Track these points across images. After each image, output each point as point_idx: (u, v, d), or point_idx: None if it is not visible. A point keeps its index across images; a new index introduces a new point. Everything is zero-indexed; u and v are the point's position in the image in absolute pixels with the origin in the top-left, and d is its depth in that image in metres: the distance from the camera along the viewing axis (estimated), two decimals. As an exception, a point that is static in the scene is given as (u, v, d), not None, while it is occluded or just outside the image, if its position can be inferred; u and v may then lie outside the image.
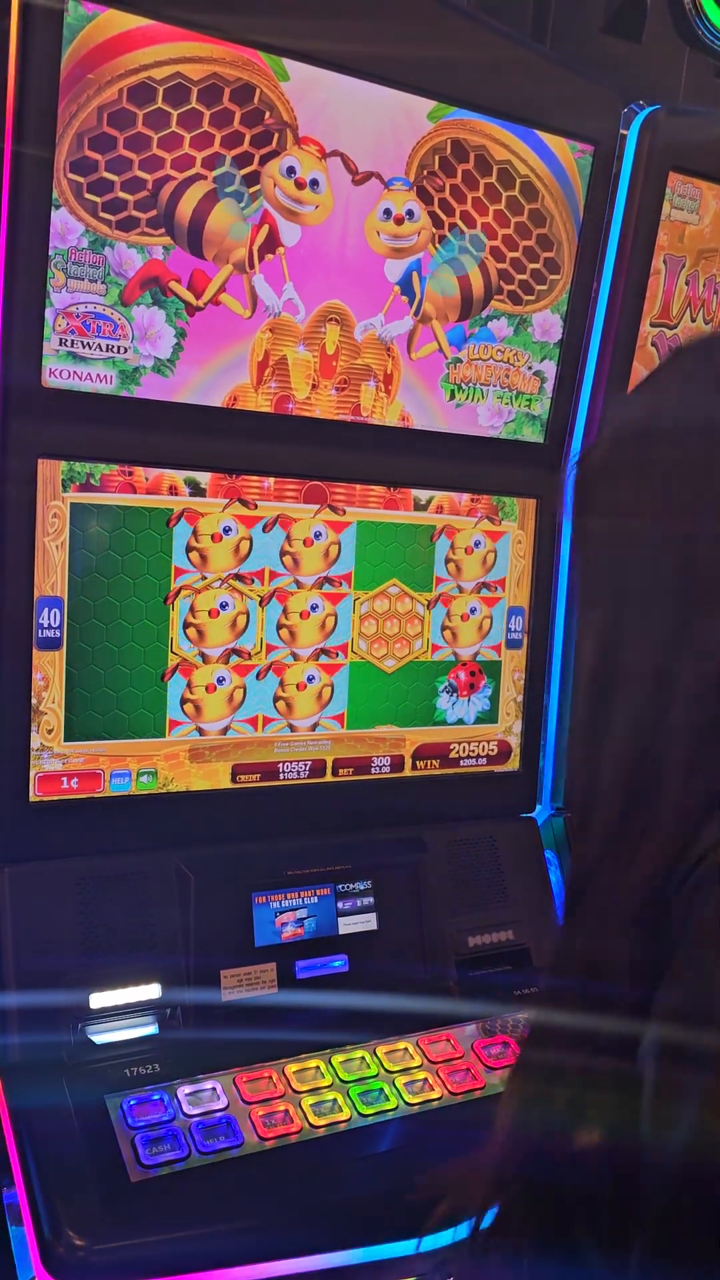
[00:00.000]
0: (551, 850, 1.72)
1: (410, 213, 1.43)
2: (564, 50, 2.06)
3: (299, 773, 1.51)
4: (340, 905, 1.47)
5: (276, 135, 1.32)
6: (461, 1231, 1.18)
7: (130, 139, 1.25)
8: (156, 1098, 1.22)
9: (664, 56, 2.15)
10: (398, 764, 1.59)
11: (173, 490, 1.39)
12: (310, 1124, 1.22)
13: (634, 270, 1.62)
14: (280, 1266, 1.11)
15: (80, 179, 1.23)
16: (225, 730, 1.45)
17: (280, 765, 1.50)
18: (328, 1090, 1.28)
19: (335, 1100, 1.26)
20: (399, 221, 1.43)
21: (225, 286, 1.35)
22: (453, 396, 1.55)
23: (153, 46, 1.23)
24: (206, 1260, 1.08)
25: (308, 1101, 1.25)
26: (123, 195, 1.26)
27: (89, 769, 1.36)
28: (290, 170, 1.34)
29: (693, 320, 1.71)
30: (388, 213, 1.42)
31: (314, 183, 1.36)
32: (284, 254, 1.37)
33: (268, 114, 1.31)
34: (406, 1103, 1.28)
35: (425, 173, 1.43)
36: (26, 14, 1.16)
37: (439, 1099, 1.30)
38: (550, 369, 1.61)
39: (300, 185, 1.35)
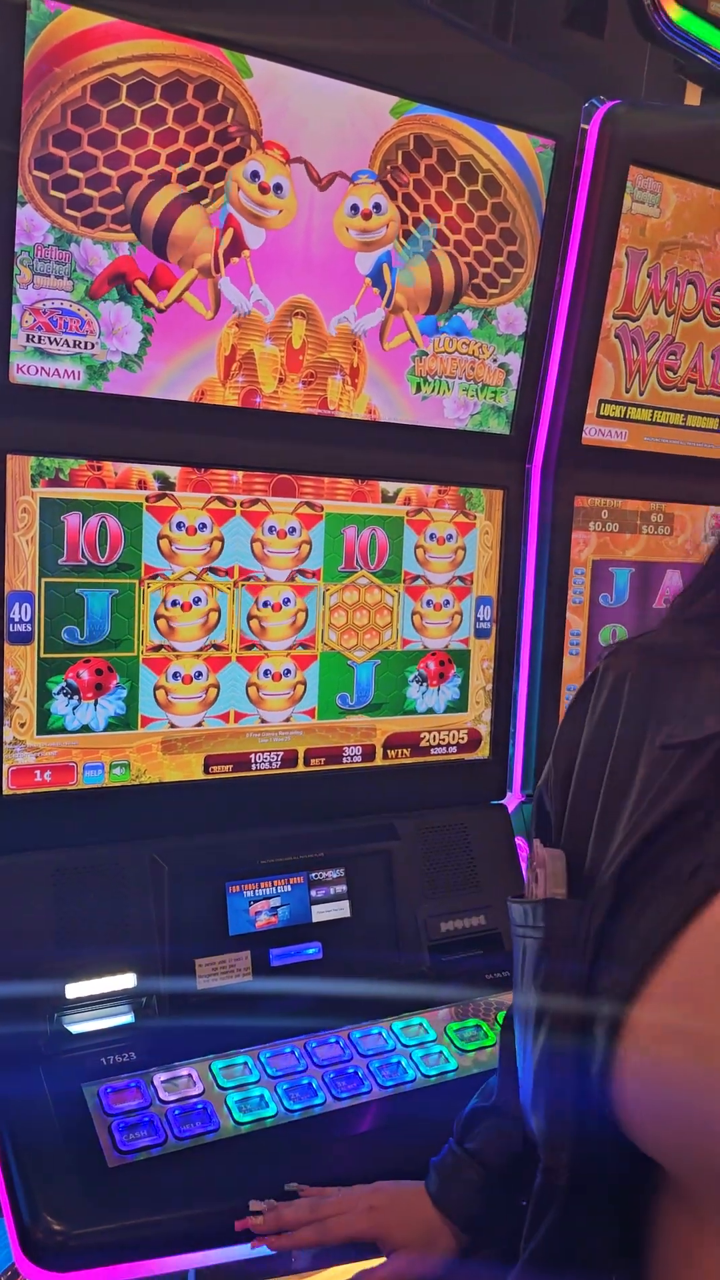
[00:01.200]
0: (522, 836, 1.74)
1: (377, 206, 1.45)
2: (526, 45, 2.08)
3: (271, 763, 1.53)
4: (313, 893, 1.49)
5: (240, 136, 1.33)
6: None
7: (95, 136, 1.26)
8: (133, 1085, 1.23)
9: (626, 51, 2.18)
10: (369, 753, 1.61)
11: (142, 484, 1.40)
12: (286, 1108, 1.24)
13: (596, 263, 1.65)
14: (258, 1247, 1.13)
15: (45, 175, 1.24)
16: (198, 722, 1.47)
17: (252, 756, 1.51)
18: (303, 1075, 1.30)
19: (311, 1084, 1.28)
20: (366, 216, 1.45)
21: (189, 288, 1.36)
22: (419, 389, 1.57)
23: (116, 44, 1.24)
24: (185, 1242, 1.10)
25: (283, 1086, 1.27)
26: (88, 192, 1.27)
27: (62, 762, 1.38)
28: (254, 175, 1.35)
29: (655, 312, 1.74)
30: (355, 208, 1.44)
31: (278, 187, 1.37)
32: (249, 257, 1.38)
33: (231, 112, 1.32)
34: (381, 1085, 1.30)
35: (389, 167, 1.44)
36: (-12, 11, 1.17)
37: (413, 1081, 1.33)
38: (515, 361, 1.63)
39: (264, 190, 1.36)
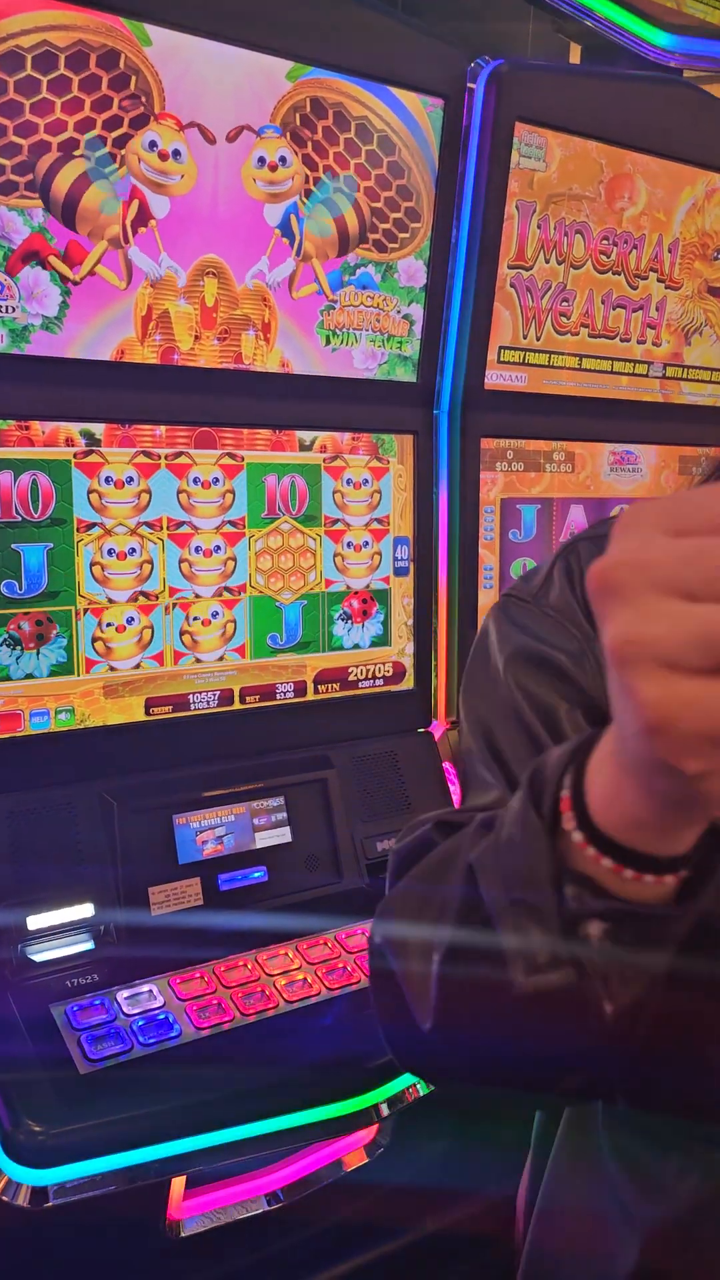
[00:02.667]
0: (449, 762, 1.86)
1: (283, 159, 1.52)
2: (417, 6, 2.16)
3: (209, 702, 1.61)
4: (256, 821, 1.59)
5: (144, 100, 1.39)
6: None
7: (3, 106, 1.31)
8: (98, 1002, 1.32)
9: (512, 10, 2.26)
10: (301, 689, 1.71)
11: (69, 442, 1.46)
12: (241, 1013, 1.34)
13: (489, 217, 1.74)
14: (225, 1134, 1.23)
15: (-43, 145, 1.29)
16: (136, 665, 1.55)
17: (190, 696, 1.60)
18: (256, 984, 1.40)
19: (263, 990, 1.38)
20: (273, 168, 1.52)
21: (101, 260, 1.42)
22: (328, 342, 1.65)
23: (19, 15, 1.29)
24: (157, 1134, 1.19)
25: (238, 995, 1.37)
26: (1, 160, 1.32)
27: (8, 710, 1.44)
28: (152, 144, 1.41)
29: (547, 261, 1.84)
30: (262, 160, 1.51)
31: (176, 153, 1.43)
32: (156, 226, 1.45)
33: (134, 80, 1.38)
34: (328, 989, 1.41)
35: (289, 129, 1.51)
36: None
37: (358, 984, 1.43)
38: (418, 312, 1.73)
39: (164, 157, 1.43)
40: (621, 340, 2.00)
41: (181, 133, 1.43)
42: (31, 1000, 1.31)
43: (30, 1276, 1.30)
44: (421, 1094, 1.37)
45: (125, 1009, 1.32)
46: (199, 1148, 1.22)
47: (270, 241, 1.55)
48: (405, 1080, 1.34)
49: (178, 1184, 1.33)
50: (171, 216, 1.45)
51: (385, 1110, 1.33)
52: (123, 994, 1.34)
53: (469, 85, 1.69)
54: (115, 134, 1.39)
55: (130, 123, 1.39)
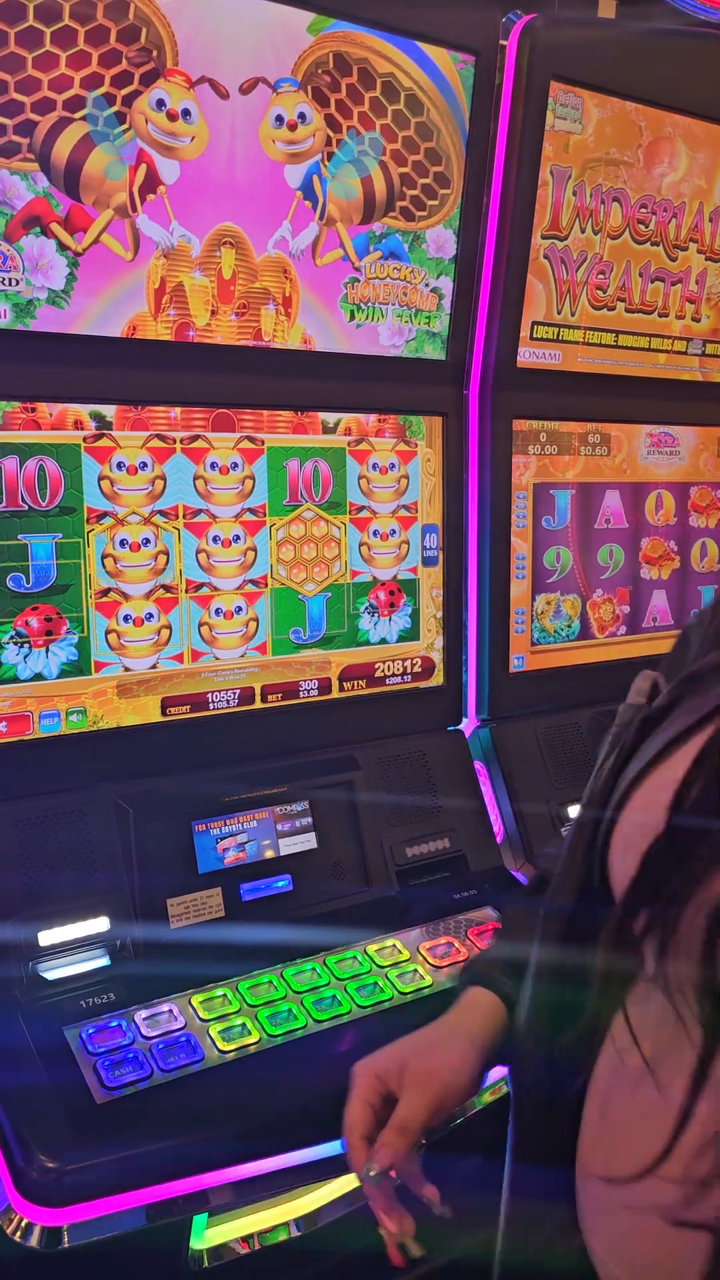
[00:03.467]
0: (480, 760, 1.77)
1: (302, 116, 1.42)
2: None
3: (228, 701, 1.52)
4: (279, 827, 1.50)
5: (155, 55, 1.29)
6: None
7: (3, 60, 1.21)
8: (114, 1024, 1.23)
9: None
10: (325, 686, 1.61)
11: (78, 425, 1.37)
12: (268, 1034, 1.26)
13: (522, 182, 1.64)
14: (252, 1168, 1.15)
15: (-45, 103, 1.19)
16: (152, 665, 1.46)
17: (209, 695, 1.51)
18: (282, 1001, 1.31)
19: (290, 1010, 1.29)
20: (292, 127, 1.42)
21: (107, 229, 1.32)
22: (352, 317, 1.55)
23: (19, -39, 1.19)
24: (178, 1169, 1.11)
25: (264, 1014, 1.28)
26: (2, 120, 1.23)
27: (16, 712, 1.36)
28: (160, 103, 1.32)
29: (582, 231, 1.74)
30: (280, 119, 1.41)
31: (185, 113, 1.34)
32: (165, 193, 1.35)
33: (144, 32, 1.28)
34: (360, 1005, 1.32)
35: (311, 84, 1.41)
36: None
37: (390, 999, 1.35)
38: (447, 285, 1.63)
39: (172, 117, 1.33)
40: (660, 315, 1.89)
41: (191, 90, 1.33)
42: (43, 1022, 1.23)
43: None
44: (458, 1121, 1.29)
45: (144, 1031, 1.23)
46: (223, 1183, 1.14)
47: (291, 205, 1.45)
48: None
49: (200, 1218, 1.25)
50: (182, 182, 1.36)
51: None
52: (141, 1014, 1.26)
53: (501, 41, 1.58)
54: (123, 92, 1.29)
55: (139, 79, 1.30)
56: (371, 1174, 0.86)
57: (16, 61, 1.22)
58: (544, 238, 1.70)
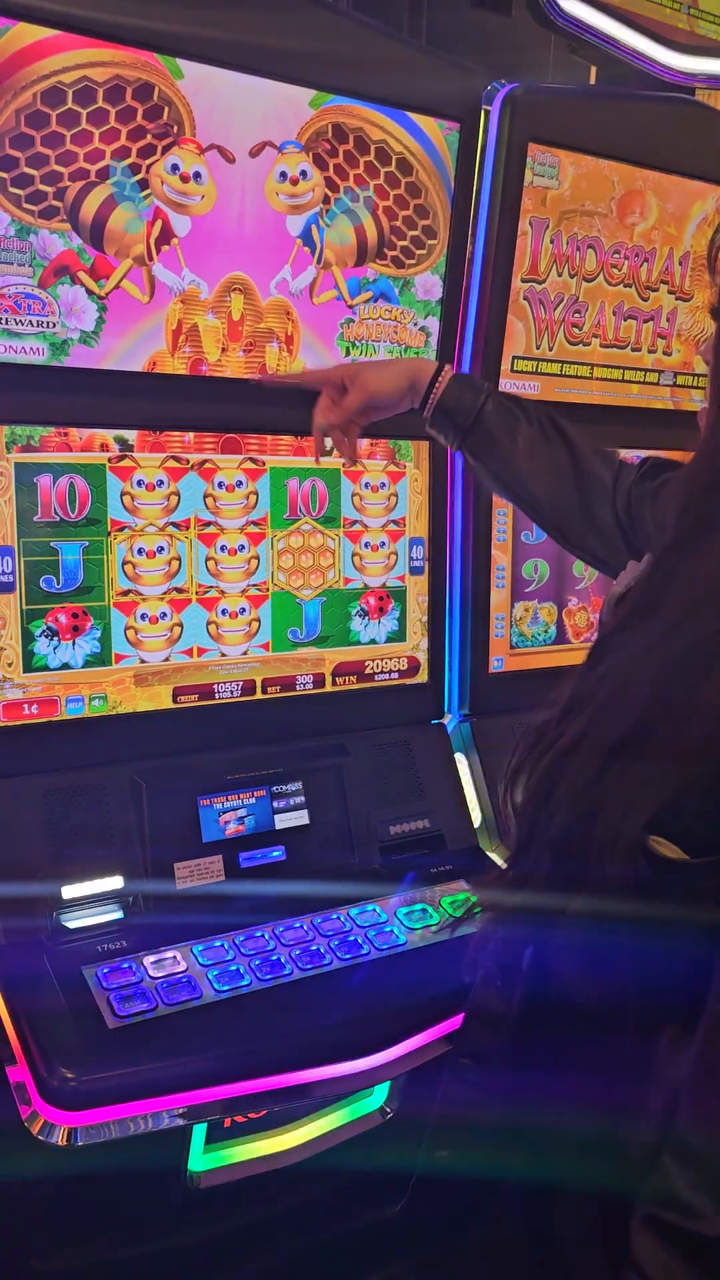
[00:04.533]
0: (460, 752, 1.95)
1: (304, 173, 1.62)
2: (437, 25, 2.24)
3: (233, 692, 1.72)
4: (276, 804, 1.69)
5: (175, 129, 1.50)
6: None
7: (46, 137, 1.42)
8: (125, 965, 1.43)
9: (533, 29, 2.34)
10: (320, 681, 1.81)
11: (104, 447, 1.57)
12: (259, 979, 1.44)
13: (503, 233, 1.83)
14: (239, 1087, 1.33)
15: (4, 175, 1.40)
16: (165, 658, 1.65)
17: (216, 686, 1.70)
18: (272, 953, 1.50)
19: (279, 959, 1.48)
20: (294, 182, 1.62)
21: (126, 276, 1.52)
22: (348, 353, 1.75)
23: (61, 54, 1.40)
24: (177, 1084, 1.30)
25: (255, 962, 1.47)
26: (43, 188, 1.43)
27: (46, 696, 1.56)
28: (174, 167, 1.52)
29: (559, 275, 1.93)
30: (283, 175, 1.61)
31: (196, 175, 1.54)
32: (178, 244, 1.55)
33: (167, 110, 1.49)
34: (340, 959, 1.51)
35: (312, 152, 1.62)
36: (-53, 31, 1.32)
37: (367, 955, 1.53)
38: (434, 324, 1.82)
39: (185, 179, 1.53)
40: (633, 350, 2.08)
41: (202, 156, 1.54)
42: (65, 962, 1.42)
43: (63, 1214, 1.41)
44: (435, 1056, 1.47)
45: (151, 972, 1.42)
46: (217, 1098, 1.33)
47: (292, 251, 1.65)
48: (419, 1039, 1.44)
49: (198, 1135, 1.44)
50: (192, 234, 1.56)
51: (399, 1067, 1.43)
52: (149, 959, 1.45)
53: (484, 108, 1.78)
54: (147, 161, 1.49)
55: (165, 149, 1.50)
56: (321, 424, 1.44)
57: (57, 139, 1.42)
58: (523, 281, 1.89)
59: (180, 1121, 1.30)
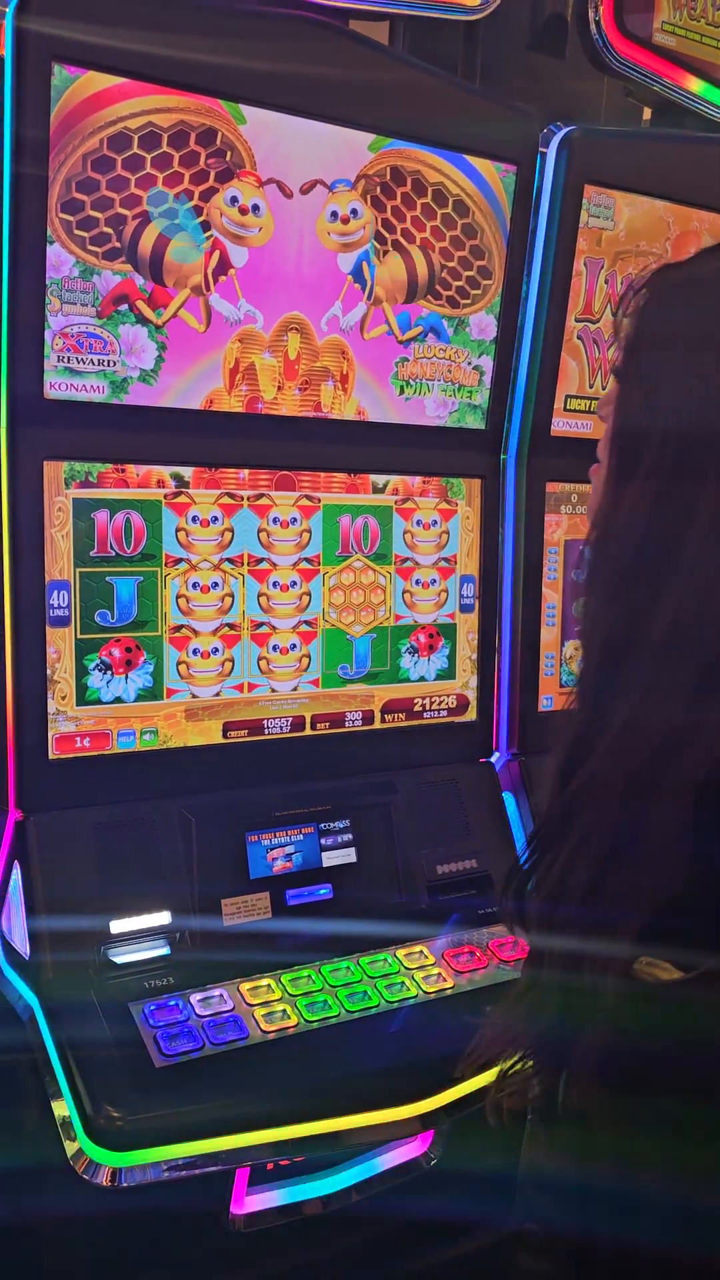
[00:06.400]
0: (509, 791, 1.93)
1: (354, 211, 1.64)
2: (493, 69, 2.27)
3: (282, 728, 1.72)
4: (323, 841, 1.68)
5: (238, 170, 1.52)
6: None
7: (111, 181, 1.44)
8: (172, 1003, 1.42)
9: (587, 71, 2.36)
10: (368, 718, 1.80)
11: (160, 484, 1.59)
12: (305, 1019, 1.43)
13: (558, 274, 1.83)
14: (287, 1131, 1.32)
15: (70, 218, 1.43)
16: (216, 693, 1.66)
17: (265, 721, 1.70)
18: (319, 994, 1.49)
19: (326, 1000, 1.47)
20: (345, 221, 1.63)
21: (184, 305, 1.55)
22: (402, 391, 1.76)
23: (127, 100, 1.43)
24: (223, 1126, 1.29)
25: (302, 1003, 1.46)
26: (106, 230, 1.46)
27: (98, 729, 1.57)
28: (233, 200, 1.54)
29: (613, 314, 1.93)
30: (334, 214, 1.62)
31: (255, 208, 1.56)
32: (235, 275, 1.57)
33: (229, 154, 1.51)
34: (387, 1000, 1.50)
35: (369, 196, 1.63)
36: (19, 79, 1.36)
37: (415, 997, 1.52)
38: (488, 364, 1.82)
39: (244, 211, 1.55)
40: (686, 388, 2.07)
41: (261, 189, 1.56)
42: (112, 998, 1.42)
43: (105, 1252, 1.40)
44: (479, 1105, 1.44)
45: (198, 1010, 1.42)
46: (262, 1142, 1.32)
47: (343, 288, 1.66)
48: (464, 1088, 1.42)
49: (242, 1177, 1.43)
50: (249, 266, 1.58)
51: (443, 1116, 1.41)
52: (195, 996, 1.44)
53: (541, 150, 1.79)
54: (202, 188, 1.51)
55: (215, 178, 1.52)
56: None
57: (122, 183, 1.45)
58: (577, 320, 1.90)
59: (225, 1165, 1.29)
